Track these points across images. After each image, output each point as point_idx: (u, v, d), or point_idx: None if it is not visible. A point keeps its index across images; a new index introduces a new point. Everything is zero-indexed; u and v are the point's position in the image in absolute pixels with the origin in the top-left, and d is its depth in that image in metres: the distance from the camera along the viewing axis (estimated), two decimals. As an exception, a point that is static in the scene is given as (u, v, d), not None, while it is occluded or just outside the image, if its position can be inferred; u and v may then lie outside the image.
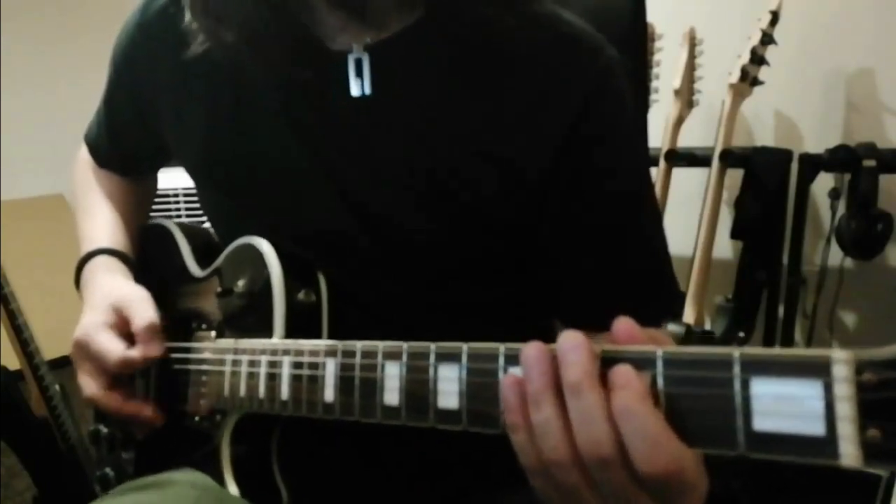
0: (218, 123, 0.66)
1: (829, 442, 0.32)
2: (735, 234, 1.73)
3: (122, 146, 0.80)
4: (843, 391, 0.31)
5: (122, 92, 0.75)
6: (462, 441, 0.48)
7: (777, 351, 0.34)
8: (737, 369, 0.34)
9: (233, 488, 0.63)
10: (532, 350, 0.40)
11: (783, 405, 0.33)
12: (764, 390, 0.33)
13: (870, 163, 1.52)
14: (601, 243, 0.63)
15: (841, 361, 0.31)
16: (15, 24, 2.75)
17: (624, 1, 0.84)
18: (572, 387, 0.38)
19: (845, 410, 0.31)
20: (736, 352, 0.34)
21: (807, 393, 0.32)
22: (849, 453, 0.31)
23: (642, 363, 0.37)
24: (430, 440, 0.53)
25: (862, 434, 0.31)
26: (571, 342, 0.38)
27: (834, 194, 1.65)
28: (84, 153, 0.86)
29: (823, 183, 1.67)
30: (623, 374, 0.37)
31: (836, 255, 1.66)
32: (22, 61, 2.80)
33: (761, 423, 0.33)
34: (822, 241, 1.70)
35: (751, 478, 1.60)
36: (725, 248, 1.88)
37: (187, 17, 0.62)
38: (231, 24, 0.60)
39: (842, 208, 1.63)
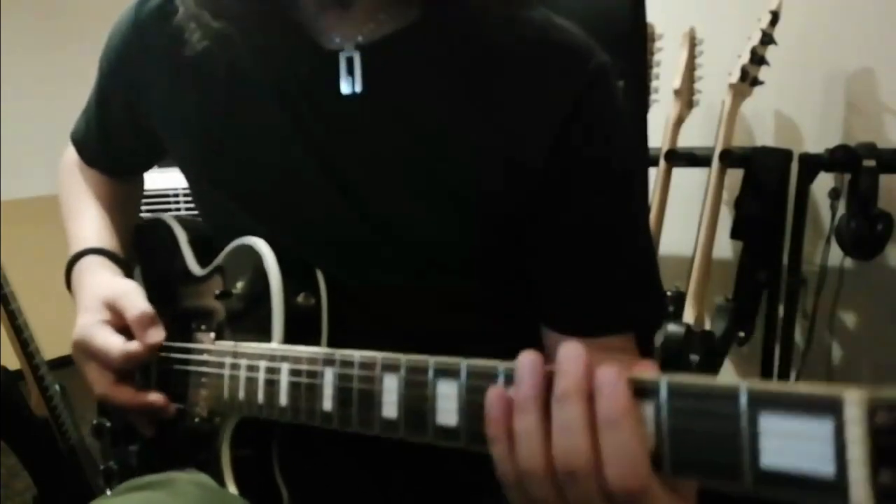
0: (214, 122, 0.66)
1: (839, 485, 0.30)
2: (735, 234, 1.73)
3: (113, 145, 0.80)
4: (856, 433, 0.30)
5: (114, 91, 0.75)
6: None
7: (786, 386, 0.32)
8: (744, 403, 0.33)
9: (233, 490, 0.63)
10: (528, 356, 0.40)
11: (792, 443, 0.32)
12: (772, 426, 0.32)
13: (870, 163, 1.52)
14: (588, 242, 0.64)
15: (853, 402, 0.30)
16: (15, 24, 2.75)
17: (624, 1, 0.84)
18: (560, 395, 0.38)
19: (857, 454, 0.30)
20: (743, 385, 0.33)
21: (817, 433, 0.31)
22: (860, 498, 0.30)
23: (645, 391, 0.36)
24: (430, 444, 0.52)
25: (874, 478, 0.29)
26: (571, 353, 0.38)
27: (834, 194, 1.65)
28: (70, 152, 0.85)
29: (823, 183, 1.67)
30: (609, 377, 0.36)
31: (836, 255, 1.66)
32: (22, 61, 2.80)
33: (769, 460, 0.32)
34: (822, 241, 1.70)
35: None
36: (725, 248, 1.87)
37: (181, 12, 0.62)
38: (224, 21, 0.60)
39: (842, 208, 1.63)
